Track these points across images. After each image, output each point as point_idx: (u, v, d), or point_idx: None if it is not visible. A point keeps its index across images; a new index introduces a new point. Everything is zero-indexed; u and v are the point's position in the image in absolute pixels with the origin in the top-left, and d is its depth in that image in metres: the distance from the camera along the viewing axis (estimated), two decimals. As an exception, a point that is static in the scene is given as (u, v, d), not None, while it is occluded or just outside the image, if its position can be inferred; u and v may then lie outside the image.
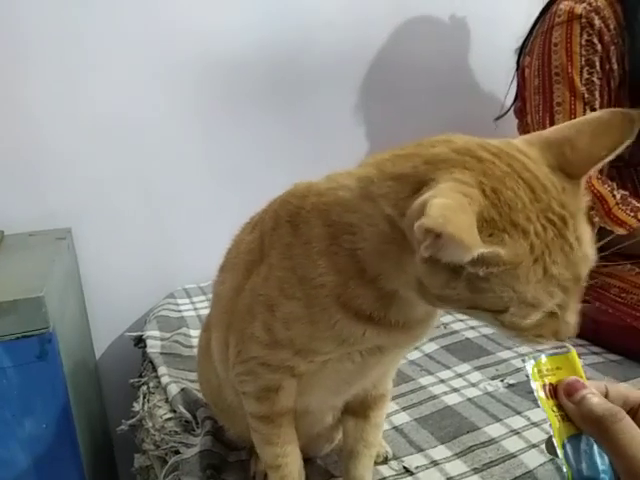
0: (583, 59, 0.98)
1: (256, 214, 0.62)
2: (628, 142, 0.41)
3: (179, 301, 1.20)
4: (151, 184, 1.23)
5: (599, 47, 0.97)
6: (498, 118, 1.20)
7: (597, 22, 0.97)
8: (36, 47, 1.10)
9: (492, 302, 0.40)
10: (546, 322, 0.42)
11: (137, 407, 0.87)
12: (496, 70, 1.23)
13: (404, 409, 0.82)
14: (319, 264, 0.48)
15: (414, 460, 0.71)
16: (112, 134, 1.18)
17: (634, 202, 0.96)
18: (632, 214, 0.95)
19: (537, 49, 1.04)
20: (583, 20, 0.97)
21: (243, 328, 0.55)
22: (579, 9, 0.98)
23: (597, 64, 0.98)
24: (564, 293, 0.40)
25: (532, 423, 0.77)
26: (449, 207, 0.36)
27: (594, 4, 0.98)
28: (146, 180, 1.23)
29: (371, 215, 0.45)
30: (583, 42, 0.97)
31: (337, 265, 0.47)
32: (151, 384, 0.91)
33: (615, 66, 0.98)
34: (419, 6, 1.37)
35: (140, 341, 1.10)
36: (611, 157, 0.42)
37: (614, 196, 0.96)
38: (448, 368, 0.92)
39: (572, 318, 0.43)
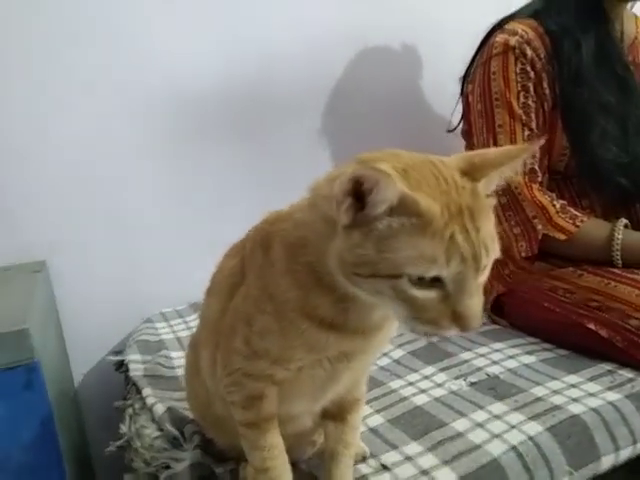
0: (519, 85, 1.06)
1: (238, 241, 0.67)
2: (524, 156, 0.49)
3: (157, 325, 1.22)
4: (123, 214, 1.26)
5: (532, 74, 1.06)
6: (451, 131, 1.30)
7: (529, 52, 1.06)
8: (5, 81, 1.13)
9: (392, 264, 0.44)
10: (444, 305, 0.46)
11: (124, 429, 0.89)
12: (445, 93, 1.32)
13: (377, 411, 0.87)
14: (282, 283, 0.54)
15: (390, 457, 0.76)
16: (82, 167, 1.21)
17: (572, 210, 1.05)
18: (571, 221, 1.03)
19: (478, 77, 1.13)
20: (517, 51, 1.06)
21: (228, 344, 0.61)
22: (513, 41, 1.07)
23: (531, 89, 1.06)
24: (463, 264, 0.44)
25: (494, 416, 0.83)
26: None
27: (525, 36, 1.07)
28: (118, 210, 1.25)
29: (314, 220, 0.52)
30: (518, 70, 1.06)
31: (298, 281, 0.53)
32: (136, 405, 0.93)
33: (547, 90, 1.07)
34: (371, 35, 1.44)
35: (121, 365, 1.12)
36: (508, 167, 0.49)
37: (554, 205, 1.04)
38: (415, 371, 0.97)
39: (472, 305, 0.46)
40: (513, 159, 0.49)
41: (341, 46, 1.41)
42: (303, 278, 0.54)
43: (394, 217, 0.45)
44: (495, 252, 0.48)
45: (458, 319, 0.46)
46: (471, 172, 0.48)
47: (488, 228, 0.47)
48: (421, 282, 0.45)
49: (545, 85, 1.07)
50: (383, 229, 0.45)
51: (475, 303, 0.46)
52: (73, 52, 1.17)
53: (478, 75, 1.13)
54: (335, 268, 0.50)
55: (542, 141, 0.51)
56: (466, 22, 1.21)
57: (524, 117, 1.06)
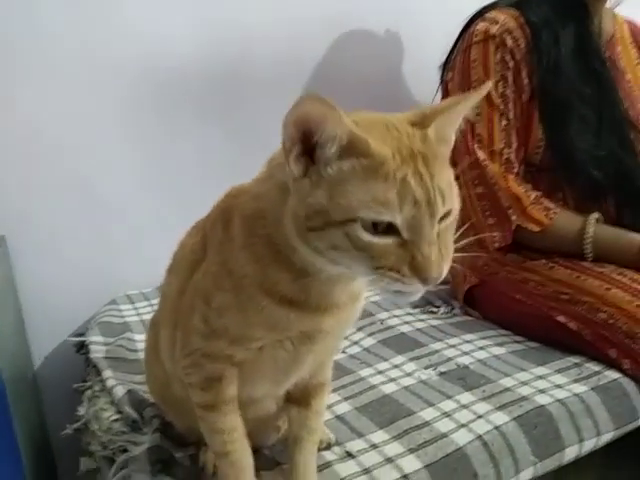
0: (498, 74, 1.06)
1: (201, 219, 0.65)
2: (472, 101, 0.49)
3: (122, 307, 1.19)
4: (88, 192, 1.22)
5: (511, 64, 1.06)
6: None
7: (509, 42, 1.06)
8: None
9: (345, 209, 0.44)
10: (400, 252, 0.44)
11: (82, 411, 0.86)
12: (425, 82, 1.31)
13: (345, 399, 0.86)
14: (240, 257, 0.53)
15: (355, 445, 0.75)
16: (46, 139, 1.16)
17: (546, 202, 1.05)
18: (544, 213, 1.04)
19: (458, 65, 1.13)
20: (497, 40, 1.06)
21: (186, 323, 0.59)
22: (493, 30, 1.07)
23: (510, 79, 1.06)
24: (416, 209, 0.44)
25: (462, 405, 0.83)
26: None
27: (506, 26, 1.07)
28: (83, 187, 1.21)
29: (270, 190, 0.51)
30: (497, 59, 1.06)
31: (256, 255, 0.52)
32: (96, 388, 0.91)
33: (525, 81, 1.07)
34: (353, 21, 1.43)
35: (82, 347, 1.09)
36: (455, 112, 0.49)
37: (529, 196, 1.04)
38: (385, 360, 0.97)
39: (431, 254, 0.44)
40: (459, 103, 0.49)
41: (322, 29, 1.39)
42: (261, 251, 0.53)
43: (344, 160, 0.45)
44: (453, 201, 0.47)
45: (417, 268, 0.45)
46: (421, 122, 0.48)
47: (443, 175, 0.46)
48: (376, 229, 0.44)
49: (524, 75, 1.07)
50: (333, 174, 0.45)
51: (434, 251, 0.45)
52: (41, 15, 1.12)
53: (458, 62, 1.13)
54: (290, 230, 0.49)
55: (488, 85, 0.51)
56: (449, 9, 1.20)
57: (502, 106, 1.06)
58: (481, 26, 1.09)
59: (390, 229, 0.44)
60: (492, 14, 1.10)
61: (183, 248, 0.67)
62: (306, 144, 0.45)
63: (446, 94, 1.20)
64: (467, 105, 0.49)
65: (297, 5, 1.35)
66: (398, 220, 0.44)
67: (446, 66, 1.21)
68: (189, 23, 1.26)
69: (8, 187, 1.14)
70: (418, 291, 0.46)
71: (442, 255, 0.46)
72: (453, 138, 0.51)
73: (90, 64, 1.18)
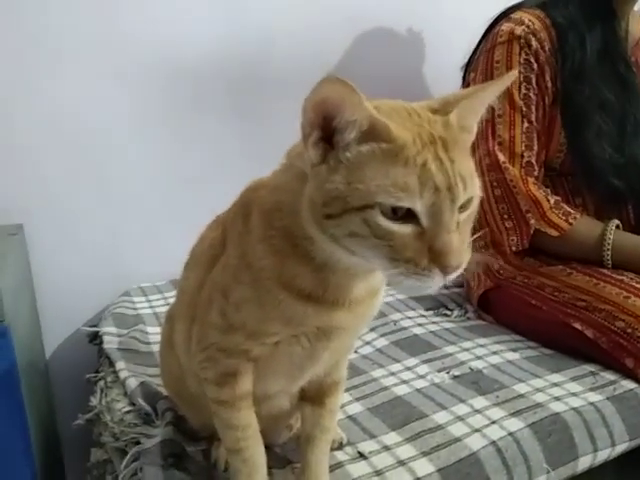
0: (521, 76, 1.05)
1: (221, 213, 0.65)
2: (497, 88, 0.48)
3: (135, 299, 1.19)
4: (106, 183, 1.22)
5: (535, 66, 1.05)
6: None
7: (534, 43, 1.05)
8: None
9: (363, 195, 0.43)
10: (419, 244, 0.43)
11: (94, 401, 0.86)
12: (446, 83, 1.30)
13: (357, 400, 0.85)
14: (258, 249, 0.53)
15: (367, 446, 0.75)
16: (66, 132, 1.17)
17: (566, 207, 1.04)
18: (564, 218, 1.02)
19: (481, 66, 1.11)
20: (522, 41, 1.05)
21: (204, 317, 0.59)
22: (518, 31, 1.05)
23: (533, 81, 1.05)
24: (436, 195, 0.43)
25: (475, 410, 0.82)
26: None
27: (532, 27, 1.06)
28: (101, 178, 1.22)
29: (289, 181, 0.51)
30: (521, 61, 1.05)
31: (274, 248, 0.52)
32: (109, 379, 0.91)
33: (549, 84, 1.06)
34: (376, 18, 1.42)
35: (95, 337, 1.09)
36: (479, 99, 0.48)
37: (548, 201, 1.03)
38: (398, 362, 0.96)
39: (451, 241, 0.43)
40: (484, 90, 0.48)
41: (342, 26, 1.38)
42: (279, 244, 0.52)
43: (363, 144, 0.44)
44: (474, 188, 0.46)
45: (437, 257, 0.43)
46: (443, 109, 0.48)
47: (464, 161, 0.46)
48: (395, 216, 0.43)
49: (547, 78, 1.06)
50: (352, 158, 0.44)
51: (455, 239, 0.44)
52: (68, 16, 1.13)
53: (481, 63, 1.11)
54: (307, 219, 0.48)
55: (514, 74, 0.50)
56: (469, 10, 1.19)
57: (524, 108, 1.05)
58: (506, 27, 1.08)
59: (409, 216, 0.43)
60: (517, 14, 1.09)
61: (202, 242, 0.66)
62: (325, 129, 0.45)
63: (468, 95, 1.19)
64: (491, 92, 0.48)
65: (316, 5, 1.34)
66: (418, 206, 0.43)
67: (468, 67, 1.20)
68: (209, 17, 1.25)
69: (27, 177, 1.15)
70: (437, 282, 0.44)
71: (463, 243, 0.45)
72: (475, 129, 0.50)
73: (113, 60, 1.19)
